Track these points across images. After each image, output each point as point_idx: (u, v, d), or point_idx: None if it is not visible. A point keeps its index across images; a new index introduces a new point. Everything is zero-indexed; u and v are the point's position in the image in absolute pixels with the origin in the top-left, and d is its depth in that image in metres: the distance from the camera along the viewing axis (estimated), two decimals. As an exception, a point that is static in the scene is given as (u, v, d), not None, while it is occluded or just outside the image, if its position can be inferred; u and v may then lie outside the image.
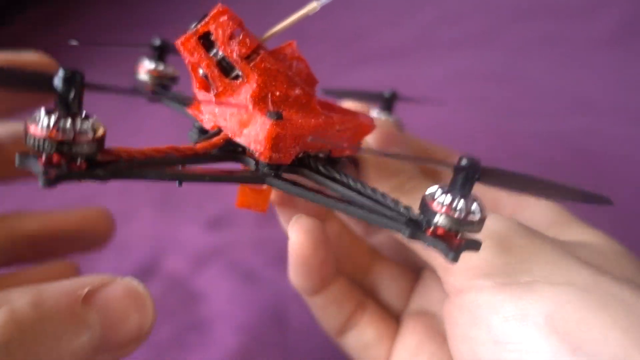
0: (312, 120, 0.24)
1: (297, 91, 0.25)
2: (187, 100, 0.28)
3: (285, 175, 0.25)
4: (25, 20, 0.84)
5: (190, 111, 0.26)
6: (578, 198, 0.25)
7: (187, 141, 0.25)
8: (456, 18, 0.74)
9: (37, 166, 0.19)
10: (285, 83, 0.25)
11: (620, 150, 0.53)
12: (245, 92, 0.25)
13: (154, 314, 0.24)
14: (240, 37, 0.25)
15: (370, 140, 0.29)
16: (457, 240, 0.20)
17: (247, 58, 0.25)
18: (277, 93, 0.25)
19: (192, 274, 0.46)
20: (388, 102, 0.35)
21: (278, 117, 0.23)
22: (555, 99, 0.60)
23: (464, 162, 0.19)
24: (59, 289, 0.20)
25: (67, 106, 0.19)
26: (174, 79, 0.33)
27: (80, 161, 0.20)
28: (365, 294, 0.31)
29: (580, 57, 0.64)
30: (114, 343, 0.22)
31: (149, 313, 0.23)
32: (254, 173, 0.24)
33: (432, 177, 0.30)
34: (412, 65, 0.67)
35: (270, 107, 0.25)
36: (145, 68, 0.32)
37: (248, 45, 0.25)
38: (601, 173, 0.51)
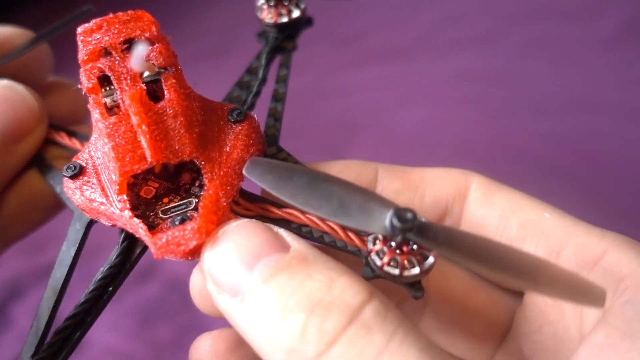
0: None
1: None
2: None
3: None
4: (25, 20, 0.84)
5: None
6: None
7: None
8: (457, 18, 0.74)
9: None
10: None
11: (620, 150, 0.53)
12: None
13: (33, 104, 0.27)
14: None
15: None
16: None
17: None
18: None
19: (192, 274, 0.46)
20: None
21: None
22: (555, 99, 0.59)
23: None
24: None
25: None
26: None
27: None
28: None
29: (580, 58, 0.64)
30: (11, 133, 0.27)
31: (26, 103, 0.27)
32: None
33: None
34: (413, 65, 0.67)
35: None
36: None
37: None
38: (601, 173, 0.51)
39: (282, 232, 0.20)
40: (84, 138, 0.28)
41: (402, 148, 0.56)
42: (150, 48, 0.23)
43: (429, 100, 0.62)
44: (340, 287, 0.18)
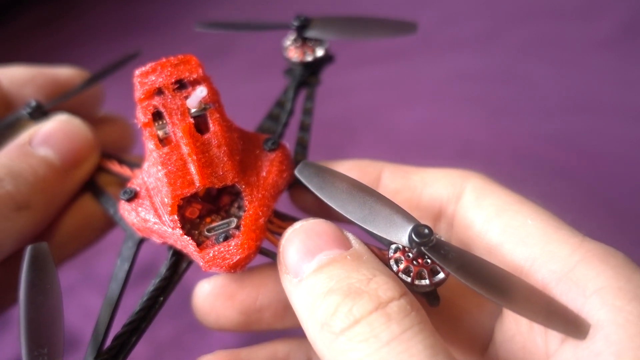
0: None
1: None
2: None
3: None
4: (25, 20, 0.84)
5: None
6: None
7: None
8: (457, 19, 0.74)
9: None
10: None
11: (620, 150, 0.53)
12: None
13: (89, 135, 0.31)
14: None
15: None
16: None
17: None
18: None
19: (192, 274, 0.46)
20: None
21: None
22: (555, 99, 0.60)
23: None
24: (9, 146, 0.30)
25: None
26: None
27: None
28: None
29: (579, 58, 0.64)
30: (70, 160, 0.30)
31: (82, 134, 0.31)
32: None
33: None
34: (413, 65, 0.67)
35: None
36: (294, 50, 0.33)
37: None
38: (602, 173, 0.51)
39: (348, 234, 0.24)
40: (132, 165, 0.31)
41: (402, 148, 0.56)
42: (206, 91, 0.26)
43: (429, 100, 0.62)
44: (377, 282, 0.21)
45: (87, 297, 0.45)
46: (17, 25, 0.82)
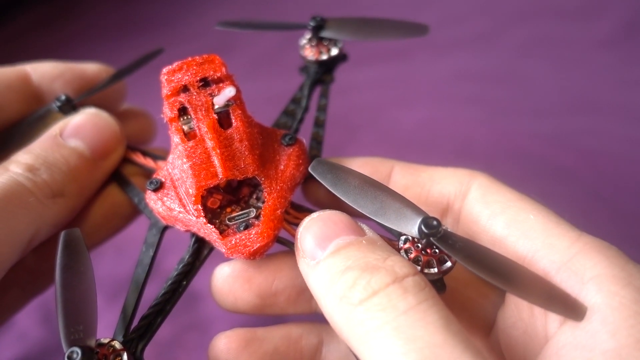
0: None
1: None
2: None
3: None
4: (25, 20, 0.84)
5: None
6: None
7: None
8: (457, 19, 0.74)
9: None
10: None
11: (620, 150, 0.53)
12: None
13: (116, 128, 0.32)
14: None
15: None
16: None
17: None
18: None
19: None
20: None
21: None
22: (555, 99, 0.60)
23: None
24: (42, 137, 0.31)
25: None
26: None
27: None
28: None
29: (580, 58, 0.64)
30: (99, 151, 0.31)
31: (110, 127, 0.32)
32: None
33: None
34: (414, 64, 0.67)
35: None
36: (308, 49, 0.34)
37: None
38: (601, 173, 0.51)
39: (361, 224, 0.25)
40: (155, 157, 0.32)
41: (403, 147, 0.56)
42: (234, 92, 0.27)
43: (429, 100, 0.62)
44: (393, 260, 0.22)
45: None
46: (17, 25, 0.82)
